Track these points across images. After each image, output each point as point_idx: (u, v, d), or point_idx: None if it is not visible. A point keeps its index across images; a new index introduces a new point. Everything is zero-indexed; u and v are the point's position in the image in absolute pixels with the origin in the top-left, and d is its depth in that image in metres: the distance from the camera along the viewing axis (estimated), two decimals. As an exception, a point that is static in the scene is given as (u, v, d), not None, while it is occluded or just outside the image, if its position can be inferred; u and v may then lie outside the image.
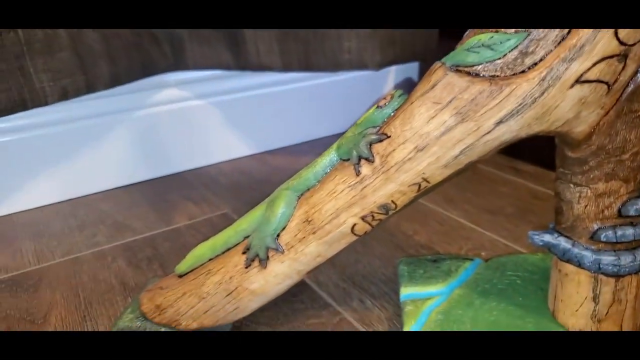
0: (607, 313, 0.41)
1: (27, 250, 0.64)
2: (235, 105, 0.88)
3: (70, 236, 0.67)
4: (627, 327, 0.41)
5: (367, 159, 0.38)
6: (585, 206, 0.40)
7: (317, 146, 0.93)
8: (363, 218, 0.40)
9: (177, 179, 0.85)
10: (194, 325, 0.45)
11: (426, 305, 0.47)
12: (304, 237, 0.42)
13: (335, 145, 0.42)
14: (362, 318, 0.50)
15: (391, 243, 0.62)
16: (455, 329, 0.43)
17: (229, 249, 0.45)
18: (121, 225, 0.69)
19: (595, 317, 0.41)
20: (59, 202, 0.77)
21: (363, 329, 0.48)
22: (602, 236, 0.39)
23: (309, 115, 0.97)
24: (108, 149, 0.79)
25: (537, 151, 0.82)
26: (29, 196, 0.75)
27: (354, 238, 0.41)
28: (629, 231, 0.39)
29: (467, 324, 0.44)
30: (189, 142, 0.86)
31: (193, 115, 0.85)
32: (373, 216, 0.40)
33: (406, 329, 0.44)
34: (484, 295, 0.47)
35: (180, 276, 0.48)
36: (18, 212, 0.74)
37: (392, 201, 0.39)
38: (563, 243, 0.41)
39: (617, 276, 0.40)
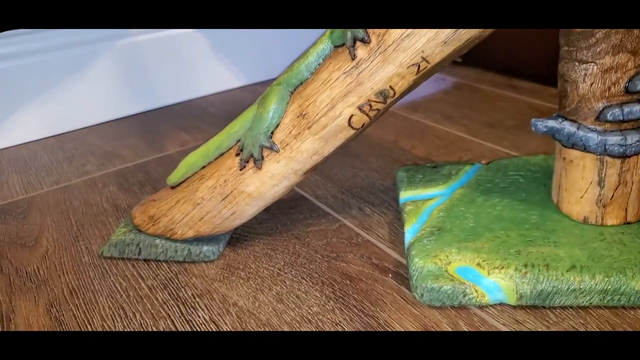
0: (612, 197, 0.40)
1: (14, 183, 0.62)
2: (222, 35, 0.85)
3: (58, 167, 0.65)
4: (632, 210, 0.41)
5: (362, 40, 0.36)
6: (591, 84, 0.38)
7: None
8: (360, 108, 0.38)
9: (166, 112, 0.82)
10: (189, 233, 0.43)
11: (427, 204, 0.46)
12: (299, 133, 0.40)
13: (327, 33, 0.39)
14: (361, 223, 0.49)
15: (389, 157, 0.61)
16: (458, 225, 0.42)
17: (222, 154, 0.44)
18: (111, 155, 0.67)
19: (600, 201, 0.40)
20: (45, 138, 0.74)
21: (363, 233, 0.47)
22: (609, 114, 0.38)
23: (301, 44, 0.93)
24: (92, 81, 0.76)
25: (534, 68, 0.80)
26: (13, 132, 0.72)
27: (352, 132, 0.40)
28: (637, 108, 0.38)
29: (470, 220, 0.43)
30: (176, 74, 0.83)
31: (179, 44, 0.81)
32: (370, 105, 0.38)
33: (407, 227, 0.43)
34: (486, 194, 0.46)
35: (173, 187, 0.46)
36: (2, 149, 0.72)
37: (391, 87, 0.37)
38: (568, 127, 0.40)
39: (624, 157, 0.39)
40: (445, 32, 0.35)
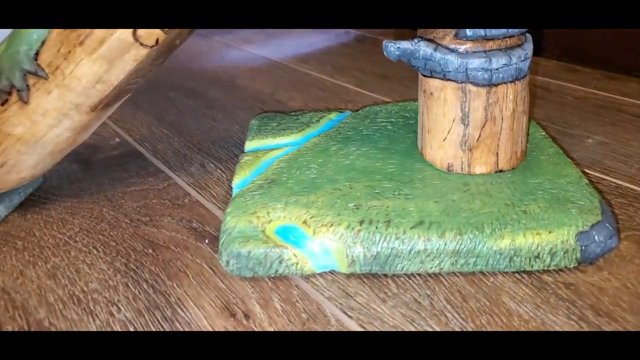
0: (479, 137, 0.32)
1: None
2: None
3: None
4: (504, 155, 0.33)
5: None
6: (447, -11, 0.30)
7: None
8: (147, 18, 0.29)
9: None
10: (-51, 193, 0.33)
11: (270, 155, 0.37)
12: (70, 52, 0.30)
13: None
14: (197, 181, 0.39)
15: (259, 110, 0.52)
16: (296, 177, 0.33)
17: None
18: None
19: (465, 143, 0.33)
20: None
21: (194, 193, 0.38)
22: (468, 30, 0.30)
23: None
24: None
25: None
26: None
27: (144, 51, 0.30)
28: (502, 20, 0.30)
29: (313, 170, 0.34)
30: None
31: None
32: (161, 14, 0.29)
33: (236, 181, 0.35)
34: (343, 142, 0.38)
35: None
36: None
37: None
38: (424, 48, 0.31)
39: (490, 85, 0.31)
40: None
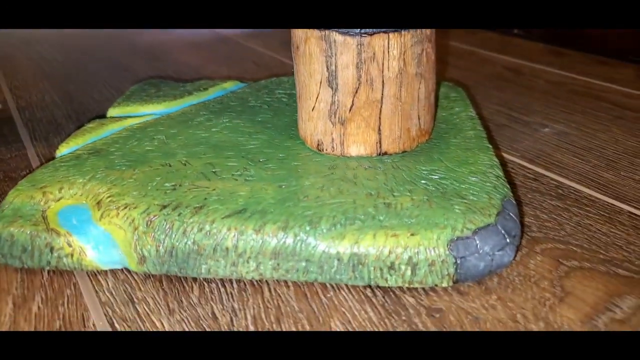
0: (352, 106, 0.25)
1: None
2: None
3: None
4: (388, 132, 0.24)
5: None
6: None
7: None
8: None
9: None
10: None
11: (121, 124, 0.31)
12: None
13: None
14: (50, 153, 0.33)
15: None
16: (128, 148, 0.26)
17: None
18: None
19: (335, 114, 0.25)
20: None
21: (38, 164, 0.32)
22: (326, -46, 0.23)
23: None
24: None
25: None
26: None
27: None
28: (371, -59, 0.22)
29: (154, 142, 0.27)
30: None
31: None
32: None
33: (60, 150, 0.28)
34: (216, 113, 0.31)
35: None
36: None
37: None
38: (280, -16, 0.24)
39: (361, 35, 0.24)
40: None
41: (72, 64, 0.51)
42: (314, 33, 0.24)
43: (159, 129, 0.29)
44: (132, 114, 0.32)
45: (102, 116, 0.32)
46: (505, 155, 0.31)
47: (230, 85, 0.36)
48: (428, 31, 0.25)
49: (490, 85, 0.42)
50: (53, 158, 0.27)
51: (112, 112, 0.33)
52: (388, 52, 0.24)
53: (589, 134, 0.33)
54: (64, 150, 0.28)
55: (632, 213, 0.25)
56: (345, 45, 0.23)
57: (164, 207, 0.22)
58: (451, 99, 0.32)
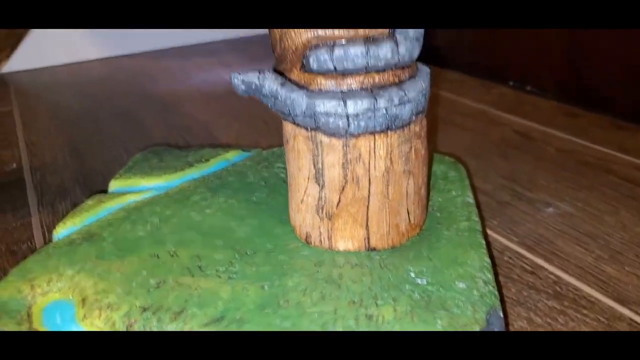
0: (338, 203, 0.24)
1: None
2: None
3: None
4: (376, 228, 0.24)
5: None
6: (287, 7, 0.23)
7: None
8: None
9: None
10: None
11: (119, 201, 0.31)
12: None
13: None
14: (53, 224, 0.34)
15: (182, 141, 0.46)
16: (122, 233, 0.26)
17: None
18: None
19: (322, 209, 0.25)
20: None
21: (40, 238, 0.32)
22: (312, 60, 0.23)
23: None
24: None
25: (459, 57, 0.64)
26: None
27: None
28: (357, 49, 0.22)
29: (147, 226, 0.27)
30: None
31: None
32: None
33: (57, 231, 0.28)
34: (213, 191, 0.31)
35: None
36: None
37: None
38: (269, 82, 0.24)
39: (347, 136, 0.23)
40: None
41: (86, 114, 0.53)
42: (302, 132, 0.24)
43: (155, 210, 0.29)
44: (132, 188, 0.33)
45: (104, 191, 0.33)
46: (503, 240, 0.30)
47: (232, 156, 0.36)
48: (417, 128, 0.24)
49: (497, 152, 0.41)
50: (53, 228, 0.28)
51: (113, 184, 0.33)
52: (374, 152, 0.23)
53: (595, 217, 0.32)
54: (60, 231, 0.28)
55: (632, 320, 0.24)
56: (331, 147, 0.23)
57: (145, 309, 0.22)
58: (449, 180, 0.32)
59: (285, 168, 0.34)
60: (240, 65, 0.70)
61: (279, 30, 0.23)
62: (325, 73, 0.22)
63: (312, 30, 0.22)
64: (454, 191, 0.30)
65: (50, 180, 0.40)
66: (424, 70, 0.25)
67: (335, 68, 0.22)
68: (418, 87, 0.24)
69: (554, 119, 0.47)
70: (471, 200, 0.30)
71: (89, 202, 0.31)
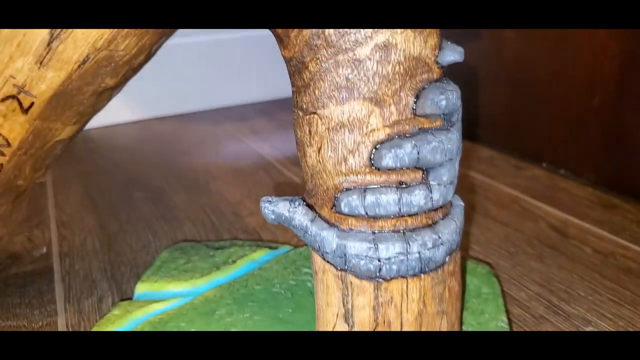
0: (368, 344, 0.24)
1: None
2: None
3: None
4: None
5: None
6: (319, 149, 0.22)
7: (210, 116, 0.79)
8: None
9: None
10: None
11: (145, 310, 0.31)
12: None
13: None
14: (77, 324, 0.34)
15: (209, 226, 0.46)
16: None
17: None
18: None
19: (351, 349, 0.24)
20: None
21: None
22: (343, 204, 0.22)
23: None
24: None
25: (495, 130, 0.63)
26: None
27: None
28: (389, 196, 0.22)
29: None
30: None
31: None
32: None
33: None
34: (239, 302, 0.30)
35: None
36: None
37: (-6, 131, 0.24)
38: (299, 217, 0.24)
39: (378, 279, 0.23)
40: (35, 45, 0.21)
41: (117, 189, 0.54)
42: (332, 269, 0.23)
43: (180, 325, 0.29)
44: (158, 293, 0.32)
45: (129, 298, 0.33)
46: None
47: (259, 256, 0.36)
48: (451, 267, 0.24)
49: (532, 253, 0.40)
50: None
51: (140, 287, 0.33)
52: (407, 295, 0.23)
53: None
54: (85, 345, 0.28)
55: None
56: (362, 288, 0.23)
57: None
58: (482, 298, 0.31)
59: (311, 274, 0.34)
60: (270, 132, 0.71)
61: (310, 168, 0.23)
62: (352, 216, 0.22)
63: (343, 175, 0.22)
64: (487, 314, 0.29)
65: (79, 268, 0.40)
66: (458, 206, 0.24)
67: (367, 213, 0.22)
68: (452, 227, 0.23)
69: (589, 211, 0.45)
70: (505, 325, 0.29)
71: (115, 311, 0.31)
